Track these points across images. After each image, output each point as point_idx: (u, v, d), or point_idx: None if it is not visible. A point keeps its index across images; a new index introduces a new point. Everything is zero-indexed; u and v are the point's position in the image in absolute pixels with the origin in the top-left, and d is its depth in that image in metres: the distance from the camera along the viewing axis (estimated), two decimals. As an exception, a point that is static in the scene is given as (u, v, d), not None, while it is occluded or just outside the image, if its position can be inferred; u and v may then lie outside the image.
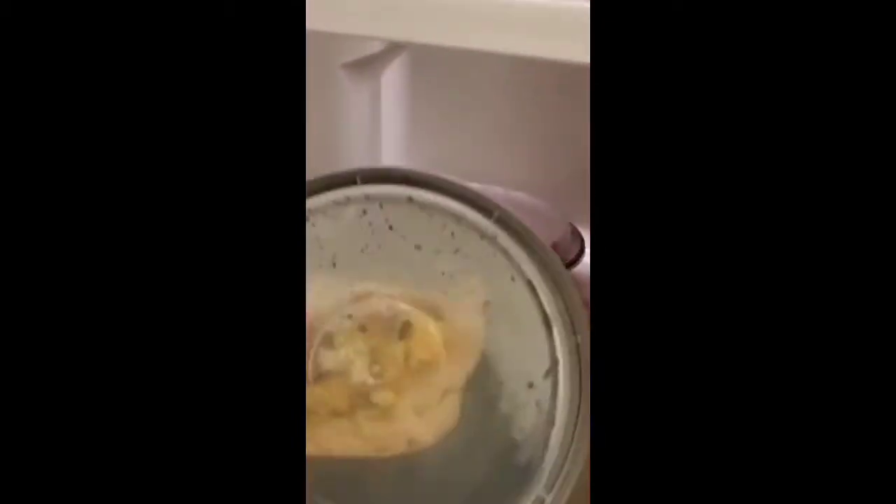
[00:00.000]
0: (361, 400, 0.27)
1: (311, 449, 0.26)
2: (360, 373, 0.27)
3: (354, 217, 0.29)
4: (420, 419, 0.28)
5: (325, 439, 0.27)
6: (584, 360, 0.27)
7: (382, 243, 0.29)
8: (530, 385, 0.28)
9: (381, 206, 0.29)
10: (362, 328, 0.28)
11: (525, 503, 0.27)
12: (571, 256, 0.58)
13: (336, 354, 0.28)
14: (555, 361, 0.28)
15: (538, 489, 0.27)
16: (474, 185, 0.32)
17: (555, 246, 0.57)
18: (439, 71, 0.63)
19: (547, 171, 0.61)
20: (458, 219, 0.29)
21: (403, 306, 0.28)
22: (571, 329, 0.28)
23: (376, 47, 0.55)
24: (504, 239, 0.29)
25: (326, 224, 0.29)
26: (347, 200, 0.29)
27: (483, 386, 0.27)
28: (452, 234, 0.29)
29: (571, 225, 0.61)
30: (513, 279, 0.28)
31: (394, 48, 0.56)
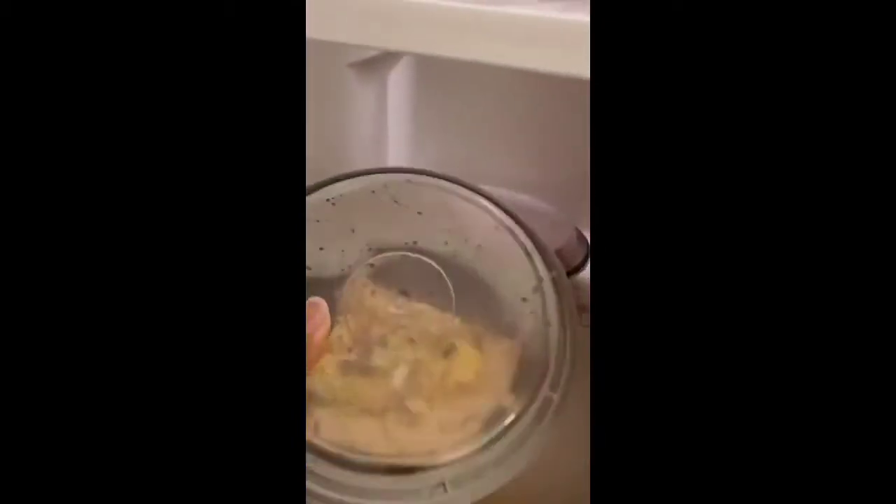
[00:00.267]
0: (395, 403, 0.30)
1: (337, 436, 0.29)
2: (401, 378, 0.30)
3: (366, 196, 0.38)
4: (443, 435, 0.30)
5: (353, 432, 0.30)
6: (561, 282, 0.35)
7: (391, 212, 0.37)
8: (524, 300, 0.35)
9: (385, 187, 0.38)
10: (412, 340, 0.32)
11: (535, 405, 0.32)
12: (577, 261, 0.58)
13: (387, 354, 0.31)
14: (539, 280, 0.35)
15: (545, 391, 0.32)
16: (483, 188, 0.39)
17: (560, 251, 0.57)
18: (445, 72, 0.63)
19: (553, 174, 0.61)
20: (447, 190, 0.38)
21: (453, 330, 0.32)
22: (545, 263, 0.36)
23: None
24: (483, 200, 0.38)
25: (344, 202, 0.37)
26: (361, 185, 0.38)
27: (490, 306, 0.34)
28: (445, 202, 0.37)
29: (577, 229, 0.61)
30: (496, 228, 0.37)
31: (400, 48, 0.56)
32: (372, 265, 0.34)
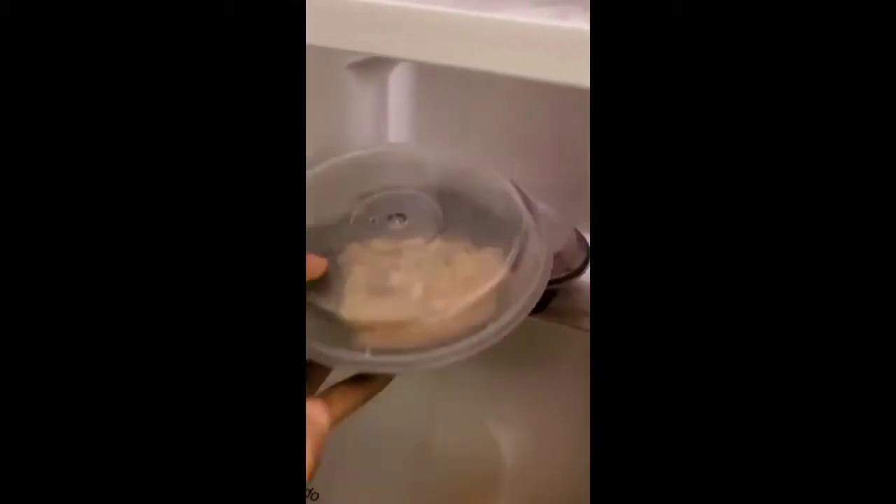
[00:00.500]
0: (421, 309, 0.35)
1: (385, 345, 0.34)
2: (420, 288, 0.35)
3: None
4: (465, 322, 0.35)
5: (395, 341, 0.35)
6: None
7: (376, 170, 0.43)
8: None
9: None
10: (418, 263, 0.37)
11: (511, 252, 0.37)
12: (577, 264, 0.57)
13: (402, 276, 0.36)
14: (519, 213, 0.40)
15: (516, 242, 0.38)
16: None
17: (560, 254, 0.57)
18: (445, 73, 0.63)
19: (553, 175, 0.61)
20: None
21: (446, 248, 0.38)
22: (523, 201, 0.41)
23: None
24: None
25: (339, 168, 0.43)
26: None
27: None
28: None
29: (577, 231, 0.61)
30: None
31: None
32: (408, 258, 0.38)
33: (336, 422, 0.33)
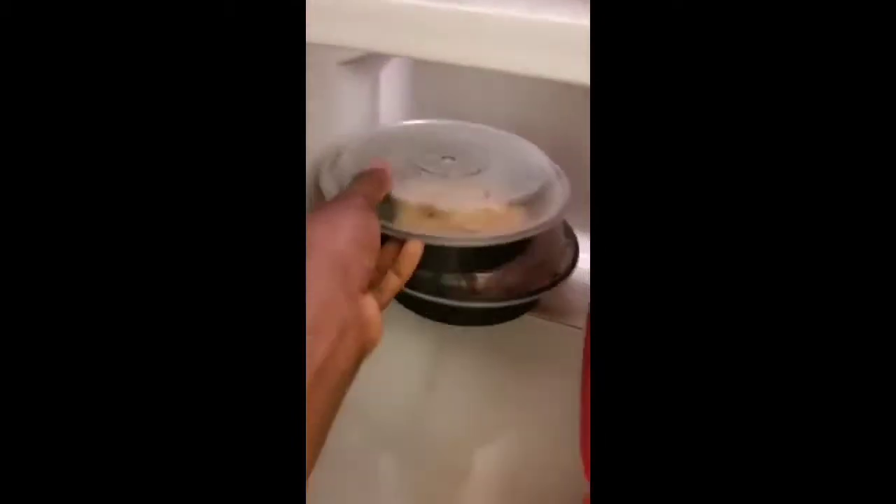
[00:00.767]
0: (459, 230, 0.47)
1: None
2: (460, 215, 0.47)
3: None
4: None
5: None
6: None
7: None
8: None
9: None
10: (431, 215, 0.47)
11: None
12: (563, 269, 0.56)
13: (447, 204, 0.47)
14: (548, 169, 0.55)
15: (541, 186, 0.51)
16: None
17: (545, 261, 0.56)
18: (438, 68, 0.63)
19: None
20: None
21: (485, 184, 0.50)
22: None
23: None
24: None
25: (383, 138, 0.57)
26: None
27: None
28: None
29: (566, 224, 0.60)
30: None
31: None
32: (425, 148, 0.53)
33: (383, 306, 0.42)
